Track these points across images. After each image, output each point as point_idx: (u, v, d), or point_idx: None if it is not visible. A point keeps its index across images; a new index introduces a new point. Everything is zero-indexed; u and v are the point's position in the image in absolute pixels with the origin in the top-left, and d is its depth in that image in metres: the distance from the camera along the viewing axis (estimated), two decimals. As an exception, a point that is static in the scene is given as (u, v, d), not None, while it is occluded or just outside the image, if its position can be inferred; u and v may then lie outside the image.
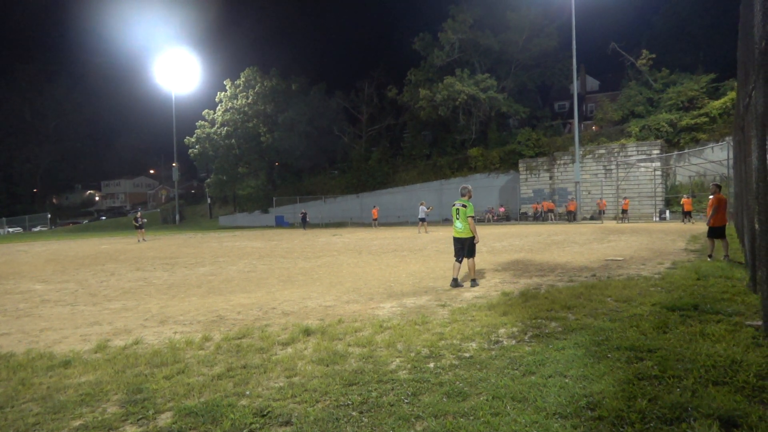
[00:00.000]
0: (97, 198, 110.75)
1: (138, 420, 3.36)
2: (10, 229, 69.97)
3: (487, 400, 3.40)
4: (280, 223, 51.27)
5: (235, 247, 20.96)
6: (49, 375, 4.40)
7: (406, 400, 3.48)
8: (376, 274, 10.71)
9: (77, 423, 3.36)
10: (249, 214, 59.35)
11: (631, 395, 3.37)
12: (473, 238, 8.50)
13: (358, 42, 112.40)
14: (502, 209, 41.69)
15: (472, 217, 8.49)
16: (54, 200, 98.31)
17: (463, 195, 8.65)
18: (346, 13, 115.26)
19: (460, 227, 8.50)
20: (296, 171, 63.24)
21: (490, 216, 40.86)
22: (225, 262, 14.64)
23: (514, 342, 4.87)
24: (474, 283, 8.56)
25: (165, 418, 3.38)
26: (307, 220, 40.18)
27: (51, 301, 8.78)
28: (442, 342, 4.94)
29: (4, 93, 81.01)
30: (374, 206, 40.92)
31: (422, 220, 27.91)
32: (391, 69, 58.38)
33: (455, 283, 8.55)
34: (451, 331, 5.33)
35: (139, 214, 29.40)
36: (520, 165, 41.24)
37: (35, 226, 70.92)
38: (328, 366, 4.36)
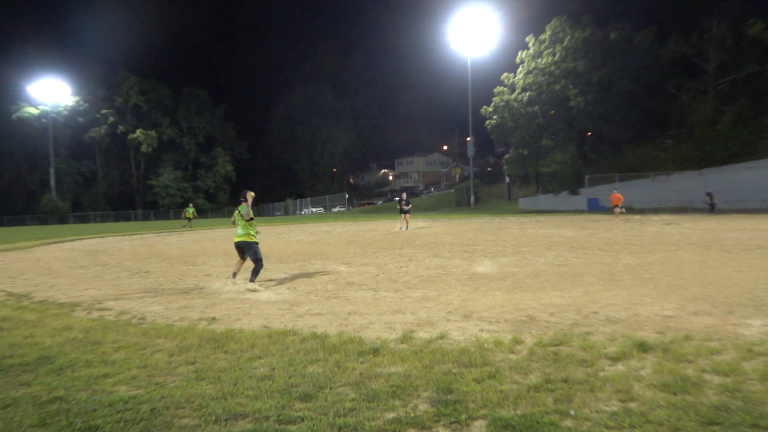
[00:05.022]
0: (390, 177, 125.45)
1: (450, 423, 3.66)
2: (314, 209, 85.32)
3: None
4: (594, 207, 49.68)
5: (540, 234, 21.20)
6: (360, 361, 5.16)
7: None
8: (734, 279, 9.48)
9: (390, 415, 3.84)
10: (554, 196, 59.14)
11: None
12: None
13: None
14: None
15: None
16: (351, 180, 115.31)
17: None
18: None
19: None
20: (614, 142, 60.17)
21: None
22: (529, 252, 14.93)
23: None
24: None
25: (479, 427, 3.60)
26: (714, 202, 35.47)
27: (355, 284, 10.36)
28: None
29: (309, 74, 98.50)
30: (614, 190, 34.81)
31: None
32: (752, -6, 50.49)
33: None
34: None
35: (404, 195, 28.80)
36: None
37: (335, 207, 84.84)
38: (675, 395, 4.06)
